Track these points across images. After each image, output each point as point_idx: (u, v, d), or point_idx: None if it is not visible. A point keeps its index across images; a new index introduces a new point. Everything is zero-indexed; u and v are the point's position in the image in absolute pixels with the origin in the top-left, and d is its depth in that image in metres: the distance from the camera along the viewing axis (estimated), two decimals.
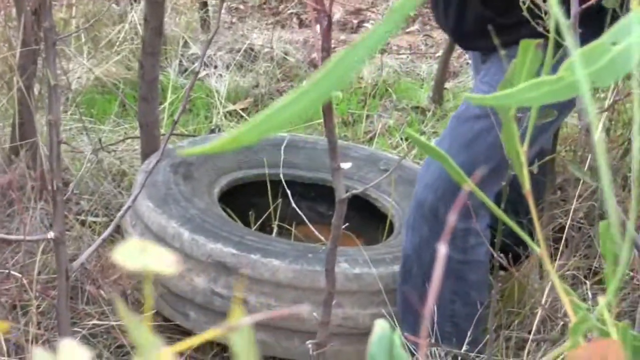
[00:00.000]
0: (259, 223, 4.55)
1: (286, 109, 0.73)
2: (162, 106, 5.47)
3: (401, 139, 5.89)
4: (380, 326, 0.94)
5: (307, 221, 3.92)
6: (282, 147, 4.57)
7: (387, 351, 0.92)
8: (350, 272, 3.73)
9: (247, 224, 4.49)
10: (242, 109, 6.23)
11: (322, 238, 3.40)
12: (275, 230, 4.53)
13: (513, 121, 1.03)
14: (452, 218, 0.99)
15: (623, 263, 0.89)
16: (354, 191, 2.89)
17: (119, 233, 4.10)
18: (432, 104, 6.29)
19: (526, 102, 0.85)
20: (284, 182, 4.24)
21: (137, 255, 0.74)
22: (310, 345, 2.83)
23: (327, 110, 2.52)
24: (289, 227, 4.51)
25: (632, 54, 0.76)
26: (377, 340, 0.93)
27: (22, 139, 4.32)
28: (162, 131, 4.82)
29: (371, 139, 5.93)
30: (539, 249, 1.02)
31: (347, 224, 2.89)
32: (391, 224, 4.35)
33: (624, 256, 0.89)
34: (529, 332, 3.71)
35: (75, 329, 3.69)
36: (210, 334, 0.72)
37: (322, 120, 3.53)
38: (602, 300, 0.89)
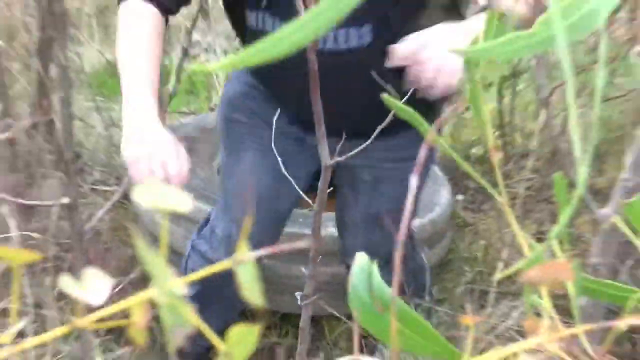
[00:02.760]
0: None
1: (288, 37, 0.84)
2: (165, 87, 5.84)
3: None
4: (360, 259, 1.14)
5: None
6: None
7: (366, 281, 1.14)
8: (336, 235, 4.02)
9: None
10: None
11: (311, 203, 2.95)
12: None
13: (478, 83, 1.24)
14: None
15: (573, 202, 1.00)
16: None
17: (129, 200, 4.91)
18: None
19: (503, 55, 0.92)
20: None
21: (153, 195, 0.91)
22: (298, 296, 2.77)
23: None
24: None
25: (599, 17, 0.85)
26: (357, 271, 1.14)
27: (40, 116, 4.36)
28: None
29: None
30: (502, 199, 1.22)
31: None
32: None
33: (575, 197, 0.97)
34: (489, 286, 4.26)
35: None
36: (221, 265, 0.89)
37: None
38: (552, 232, 1.04)
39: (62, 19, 3.24)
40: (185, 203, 0.93)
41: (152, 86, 2.75)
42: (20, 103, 4.87)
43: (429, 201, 4.20)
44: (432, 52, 2.73)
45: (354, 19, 3.01)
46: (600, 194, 4.42)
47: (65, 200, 3.28)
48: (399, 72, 2.96)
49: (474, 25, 2.73)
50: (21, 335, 3.47)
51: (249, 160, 3.45)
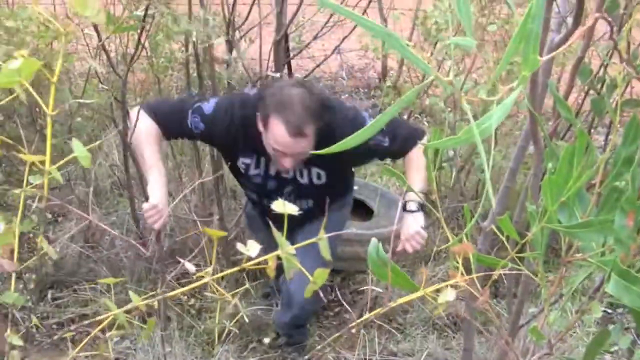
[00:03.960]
0: None
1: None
2: None
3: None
4: (374, 241, 1.15)
5: None
6: None
7: (376, 253, 1.14)
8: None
9: None
10: None
11: None
12: None
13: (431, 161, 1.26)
14: None
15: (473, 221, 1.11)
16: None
17: None
18: None
19: (446, 146, 0.99)
20: None
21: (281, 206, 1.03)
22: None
23: None
24: None
25: (492, 127, 0.84)
26: (372, 248, 1.15)
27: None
28: None
29: None
30: (439, 215, 1.29)
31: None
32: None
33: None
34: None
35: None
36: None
37: None
38: (465, 231, 1.10)
39: None
40: (293, 210, 1.06)
41: (162, 167, 2.66)
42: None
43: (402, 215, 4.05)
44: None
45: (306, 197, 2.93)
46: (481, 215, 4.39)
47: (217, 215, 3.44)
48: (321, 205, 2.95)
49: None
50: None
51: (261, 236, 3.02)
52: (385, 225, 3.90)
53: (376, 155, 2.77)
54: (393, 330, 3.47)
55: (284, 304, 3.22)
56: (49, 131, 0.84)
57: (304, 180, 2.84)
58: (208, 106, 2.76)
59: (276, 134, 2.53)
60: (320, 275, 0.89)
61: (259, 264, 0.87)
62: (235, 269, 0.92)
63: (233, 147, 2.81)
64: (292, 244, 1.12)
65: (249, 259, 0.87)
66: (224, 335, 3.35)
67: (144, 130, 2.74)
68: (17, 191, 1.00)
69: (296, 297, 3.02)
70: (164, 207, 2.60)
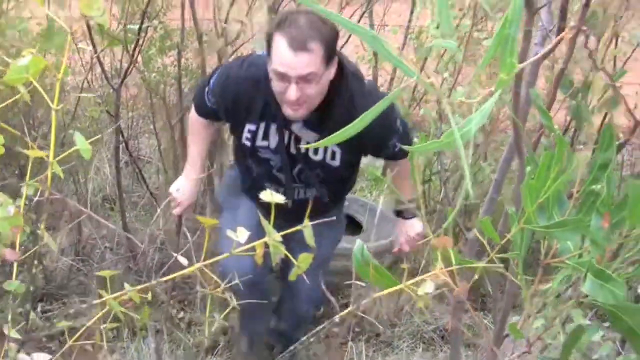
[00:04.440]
0: None
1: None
2: None
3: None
4: (358, 242, 1.18)
5: None
6: None
7: (360, 253, 1.17)
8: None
9: None
10: None
11: None
12: None
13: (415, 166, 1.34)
14: None
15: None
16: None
17: None
18: None
19: (430, 149, 0.97)
20: None
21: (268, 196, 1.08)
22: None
23: None
24: None
25: (472, 131, 0.83)
26: (356, 249, 1.17)
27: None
28: None
29: None
30: (425, 223, 1.38)
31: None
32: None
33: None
34: None
35: None
36: None
37: None
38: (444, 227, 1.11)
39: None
40: (280, 199, 1.11)
41: (198, 162, 2.90)
42: None
43: (389, 232, 4.04)
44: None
45: (318, 187, 2.76)
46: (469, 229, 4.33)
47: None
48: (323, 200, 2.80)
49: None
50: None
51: (241, 212, 2.90)
52: (374, 239, 3.94)
53: (383, 152, 2.68)
54: (383, 343, 3.51)
55: (287, 308, 3.24)
56: (53, 123, 0.89)
57: (318, 157, 2.64)
58: (213, 78, 2.69)
59: (278, 50, 2.33)
60: (305, 260, 0.93)
61: (247, 251, 0.91)
62: (224, 256, 0.97)
63: (236, 115, 2.64)
64: (290, 240, 1.15)
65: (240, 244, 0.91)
66: (215, 345, 3.38)
67: (190, 119, 2.89)
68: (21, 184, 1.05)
69: (304, 305, 3.13)
70: (180, 197, 2.91)
